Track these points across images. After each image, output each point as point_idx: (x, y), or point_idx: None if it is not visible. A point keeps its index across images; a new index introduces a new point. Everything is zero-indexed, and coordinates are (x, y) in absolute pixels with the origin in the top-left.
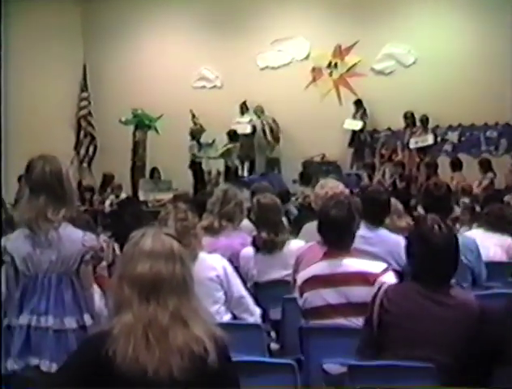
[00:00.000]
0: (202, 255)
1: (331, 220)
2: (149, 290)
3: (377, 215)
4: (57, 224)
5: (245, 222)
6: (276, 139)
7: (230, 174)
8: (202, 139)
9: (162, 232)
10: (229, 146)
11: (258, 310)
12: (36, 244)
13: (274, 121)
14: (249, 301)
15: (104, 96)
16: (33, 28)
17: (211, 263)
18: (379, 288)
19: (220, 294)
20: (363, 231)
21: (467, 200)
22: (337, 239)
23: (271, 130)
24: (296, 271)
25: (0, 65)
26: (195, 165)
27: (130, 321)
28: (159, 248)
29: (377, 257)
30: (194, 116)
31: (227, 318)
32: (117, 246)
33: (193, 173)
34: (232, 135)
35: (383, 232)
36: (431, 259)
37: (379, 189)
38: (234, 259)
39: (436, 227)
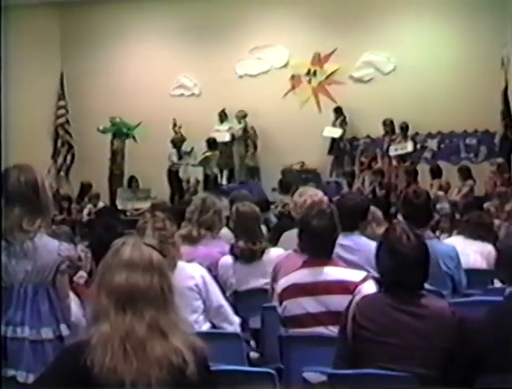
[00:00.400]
0: (181, 264)
1: (313, 230)
2: (125, 301)
3: (349, 220)
4: (32, 235)
5: (225, 230)
6: (254, 146)
7: (209, 182)
8: (182, 148)
9: (142, 243)
10: (208, 154)
11: (236, 319)
12: (11, 254)
13: (252, 128)
14: (228, 310)
15: (81, 104)
16: (9, 35)
17: (189, 272)
18: (351, 301)
19: (199, 303)
20: (340, 239)
21: (442, 194)
22: (318, 248)
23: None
24: (274, 279)
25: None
26: (172, 174)
27: (108, 331)
28: (137, 258)
29: (355, 265)
30: (175, 125)
31: (206, 327)
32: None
33: (169, 182)
34: (211, 143)
35: (362, 239)
36: (399, 270)
37: (352, 195)
38: (213, 268)
39: (404, 237)
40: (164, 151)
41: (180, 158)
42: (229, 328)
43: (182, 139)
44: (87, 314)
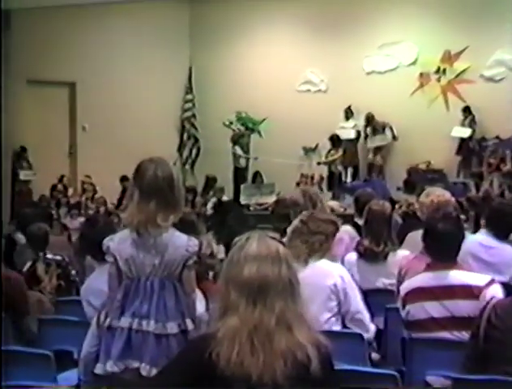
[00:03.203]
0: (322, 261)
1: (439, 233)
2: (257, 293)
3: (504, 227)
4: (164, 230)
5: (347, 228)
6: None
7: (333, 180)
8: (305, 143)
9: (267, 236)
10: (335, 156)
11: (372, 327)
12: (140, 247)
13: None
14: (366, 316)
15: (208, 98)
16: (141, 29)
17: (328, 270)
18: (488, 303)
19: (333, 304)
20: (486, 239)
21: None
22: (443, 251)
23: None
24: (400, 282)
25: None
26: (238, 172)
27: (236, 324)
28: (265, 251)
29: (491, 266)
30: (231, 123)
31: (335, 329)
32: (221, 248)
33: (234, 180)
34: (335, 140)
35: (508, 247)
36: None
37: (509, 201)
38: None
39: None
40: (289, 147)
41: (245, 153)
42: (364, 336)
43: (242, 134)
44: (212, 309)
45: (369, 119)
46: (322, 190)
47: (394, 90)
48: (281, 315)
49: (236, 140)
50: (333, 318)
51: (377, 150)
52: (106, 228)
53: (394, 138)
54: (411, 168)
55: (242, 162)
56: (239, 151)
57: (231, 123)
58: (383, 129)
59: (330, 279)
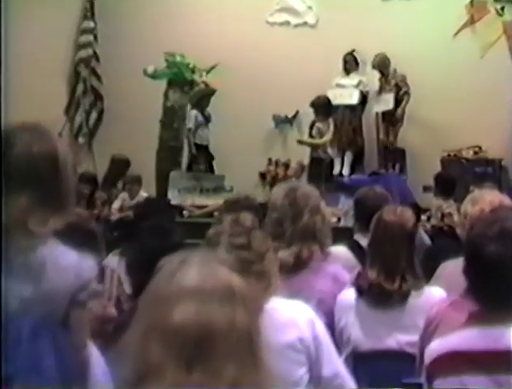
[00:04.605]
0: (275, 302)
1: (491, 262)
2: (193, 351)
3: None
4: (41, 241)
5: (342, 249)
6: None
7: (320, 170)
8: (278, 110)
9: (214, 260)
10: (328, 136)
11: None
12: (1, 269)
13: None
14: (348, 381)
15: (119, 30)
16: None
17: (289, 317)
18: None
19: (303, 370)
20: None
21: None
22: (497, 292)
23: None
24: (427, 339)
25: None
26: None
27: None
28: (210, 283)
29: None
30: (193, 69)
31: None
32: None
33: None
34: (322, 107)
35: None
36: None
37: None
38: (323, 311)
39: None
40: (251, 115)
41: (206, 122)
42: None
43: (210, 93)
44: (121, 374)
45: (381, 65)
46: None
47: (427, 27)
48: (233, 387)
49: (197, 101)
50: None
51: (389, 123)
52: None
53: None
54: (448, 155)
55: (204, 135)
56: (192, 120)
57: (174, 74)
58: (398, 86)
59: (292, 331)
